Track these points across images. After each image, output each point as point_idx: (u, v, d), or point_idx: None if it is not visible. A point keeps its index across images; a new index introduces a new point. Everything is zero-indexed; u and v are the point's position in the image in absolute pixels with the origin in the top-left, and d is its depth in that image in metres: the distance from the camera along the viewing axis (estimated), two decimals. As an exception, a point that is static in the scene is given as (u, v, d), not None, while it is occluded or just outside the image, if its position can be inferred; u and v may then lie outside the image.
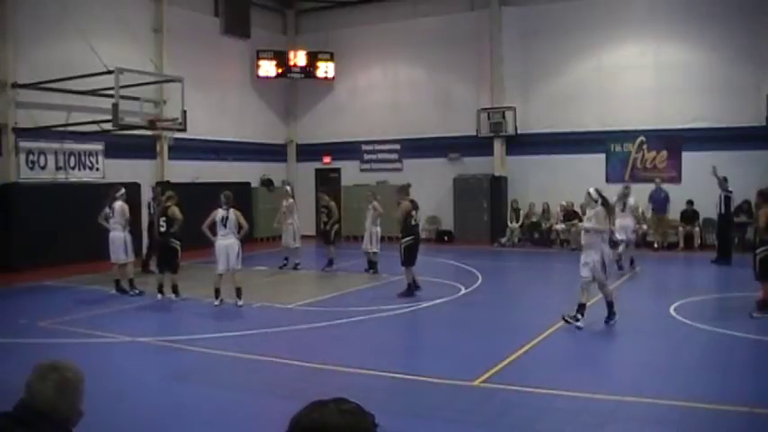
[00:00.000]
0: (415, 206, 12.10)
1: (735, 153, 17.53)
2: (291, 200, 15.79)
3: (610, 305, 9.31)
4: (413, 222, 12.05)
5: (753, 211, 17.12)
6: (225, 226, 11.06)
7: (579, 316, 9.11)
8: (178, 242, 11.72)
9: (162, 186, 14.99)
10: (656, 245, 18.11)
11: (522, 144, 20.17)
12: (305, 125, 23.96)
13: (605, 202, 9.40)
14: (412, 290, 11.85)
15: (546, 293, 12.73)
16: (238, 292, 11.09)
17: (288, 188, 16.41)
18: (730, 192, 15.79)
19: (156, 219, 12.28)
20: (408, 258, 11.86)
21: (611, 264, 9.75)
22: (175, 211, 11.63)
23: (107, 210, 12.41)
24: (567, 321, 9.12)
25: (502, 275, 15.79)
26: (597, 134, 19.30)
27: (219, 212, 11.08)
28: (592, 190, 9.43)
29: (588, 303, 9.26)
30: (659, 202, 17.93)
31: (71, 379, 2.32)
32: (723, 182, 15.65)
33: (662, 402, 6.11)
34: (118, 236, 12.25)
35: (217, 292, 11.06)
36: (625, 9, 18.97)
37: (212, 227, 11.17)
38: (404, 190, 12.52)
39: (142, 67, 16.29)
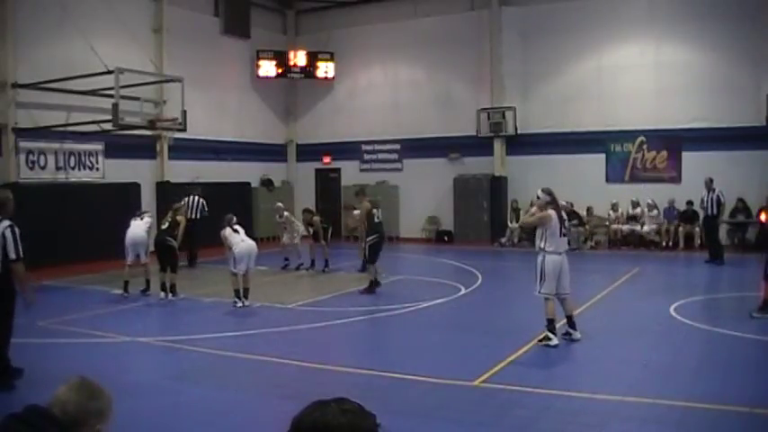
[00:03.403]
0: (375, 205, 12.68)
1: (735, 153, 17.54)
2: (287, 213, 15.67)
3: (548, 322, 8.28)
4: (375, 220, 12.58)
5: (751, 212, 17.18)
6: (237, 232, 11.36)
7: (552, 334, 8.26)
8: (174, 241, 11.86)
9: (198, 186, 16.84)
10: (664, 243, 18.26)
11: (522, 144, 20.17)
12: (305, 125, 23.96)
13: (554, 203, 8.45)
14: (374, 286, 12.22)
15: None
16: (246, 293, 11.15)
17: (286, 213, 15.68)
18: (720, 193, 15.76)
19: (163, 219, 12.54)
20: (372, 255, 12.36)
21: (555, 275, 8.29)
22: (184, 221, 12.13)
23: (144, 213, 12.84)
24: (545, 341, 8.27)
25: (502, 275, 15.78)
26: (597, 134, 19.30)
27: (228, 229, 11.33)
28: (539, 191, 8.53)
29: (574, 314, 8.66)
30: (671, 216, 18.33)
31: (98, 397, 2.31)
32: (710, 183, 15.62)
33: (662, 402, 6.11)
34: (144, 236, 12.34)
35: (237, 293, 11.07)
36: (625, 9, 18.97)
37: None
38: (361, 192, 13.28)
39: (142, 67, 16.29)
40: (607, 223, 19.05)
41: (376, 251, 12.49)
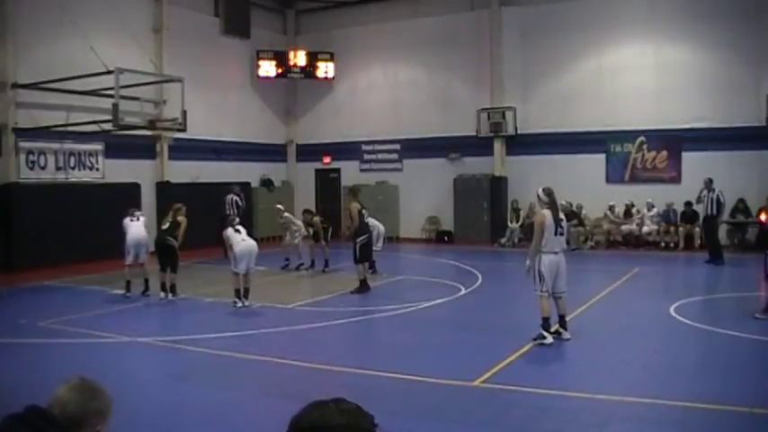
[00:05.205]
0: (363, 206, 12.80)
1: (735, 153, 17.55)
2: (287, 214, 15.70)
3: (544, 320, 8.32)
4: (365, 220, 12.74)
5: (751, 212, 17.18)
6: (239, 232, 11.39)
7: (545, 333, 8.30)
8: (174, 241, 11.84)
9: (237, 186, 18.17)
10: (662, 244, 18.28)
11: (522, 144, 20.16)
12: (305, 125, 23.96)
13: (552, 204, 8.51)
14: (365, 286, 12.28)
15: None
16: (246, 293, 11.15)
17: (286, 214, 15.81)
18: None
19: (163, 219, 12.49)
20: (363, 255, 12.48)
21: (552, 274, 8.34)
22: (185, 221, 11.98)
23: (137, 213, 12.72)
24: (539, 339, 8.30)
25: (502, 276, 15.80)
26: (597, 134, 19.29)
27: (230, 229, 11.39)
28: (540, 190, 8.63)
29: (567, 316, 8.70)
30: (669, 219, 18.36)
31: (98, 398, 2.30)
32: (709, 183, 15.61)
33: (662, 402, 6.11)
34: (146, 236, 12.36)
35: (237, 293, 11.09)
36: (625, 9, 18.97)
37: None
38: (352, 192, 13.36)
39: (142, 67, 16.27)
40: (603, 224, 19.05)
41: (366, 251, 12.64)
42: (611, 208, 18.87)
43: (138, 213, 12.68)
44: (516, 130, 20.06)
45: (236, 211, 16.80)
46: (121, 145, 17.27)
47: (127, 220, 12.34)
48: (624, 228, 18.76)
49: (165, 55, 18.45)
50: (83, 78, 15.03)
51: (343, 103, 23.10)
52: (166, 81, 16.63)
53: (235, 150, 21.28)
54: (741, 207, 17.39)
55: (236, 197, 17.61)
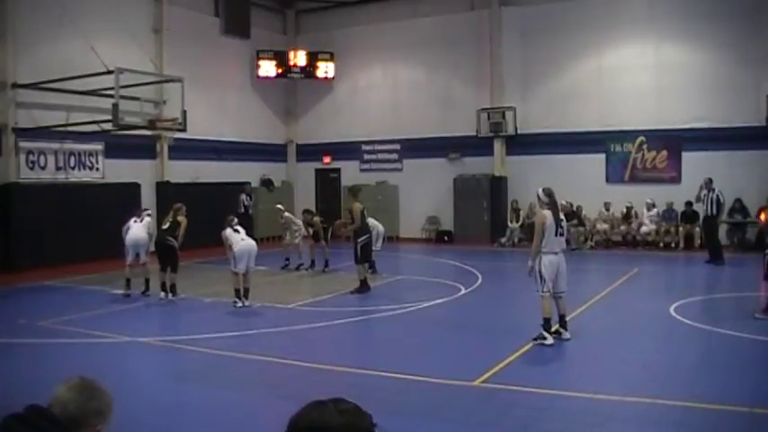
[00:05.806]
0: (364, 207, 12.86)
1: (735, 153, 17.54)
2: (287, 214, 15.73)
3: (545, 321, 8.31)
4: (366, 221, 12.82)
5: (749, 211, 17.18)
6: (238, 232, 11.40)
7: (545, 333, 8.30)
8: (175, 241, 11.84)
9: (247, 185, 19.29)
10: (661, 244, 18.29)
11: (522, 144, 20.16)
12: (305, 125, 23.96)
13: (552, 204, 8.52)
14: (365, 286, 12.30)
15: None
16: (246, 293, 11.15)
17: (286, 214, 15.81)
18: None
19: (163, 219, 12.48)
20: (363, 256, 12.52)
21: (553, 275, 8.34)
22: (185, 221, 11.96)
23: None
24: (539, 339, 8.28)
25: (502, 276, 15.80)
26: (597, 134, 19.28)
27: (229, 230, 11.39)
28: (540, 190, 8.62)
29: (567, 316, 8.70)
30: (669, 218, 18.35)
31: (98, 397, 2.30)
32: (709, 183, 15.60)
33: (662, 402, 6.11)
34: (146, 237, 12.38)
35: (237, 293, 11.09)
36: (625, 9, 18.96)
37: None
38: (353, 192, 13.39)
39: (142, 67, 16.26)
40: (597, 225, 19.02)
41: (367, 251, 12.69)
42: (606, 206, 18.87)
43: (143, 214, 12.72)
44: (516, 130, 20.06)
45: (243, 209, 17.63)
46: (121, 145, 17.27)
47: (131, 221, 12.38)
48: (623, 228, 18.75)
49: (165, 55, 18.46)
50: (83, 78, 15.04)
51: (343, 103, 23.10)
52: (166, 81, 16.62)
53: (235, 150, 21.28)
54: (738, 207, 17.40)
55: (245, 196, 18.53)
